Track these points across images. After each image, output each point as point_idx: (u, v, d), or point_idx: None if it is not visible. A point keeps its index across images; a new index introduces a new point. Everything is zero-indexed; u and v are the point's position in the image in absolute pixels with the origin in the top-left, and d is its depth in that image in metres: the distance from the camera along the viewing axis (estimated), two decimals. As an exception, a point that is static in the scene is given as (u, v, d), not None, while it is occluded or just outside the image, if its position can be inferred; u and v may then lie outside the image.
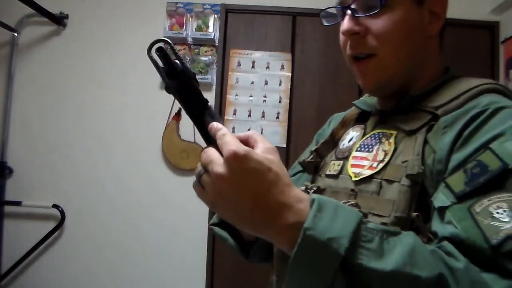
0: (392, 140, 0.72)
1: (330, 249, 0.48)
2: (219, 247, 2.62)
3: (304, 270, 0.49)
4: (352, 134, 0.82)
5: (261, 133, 2.66)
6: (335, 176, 0.78)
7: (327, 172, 0.80)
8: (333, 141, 0.87)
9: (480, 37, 2.69)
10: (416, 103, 0.74)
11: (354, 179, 0.73)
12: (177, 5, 2.75)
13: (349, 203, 0.68)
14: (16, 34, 2.76)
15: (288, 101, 2.69)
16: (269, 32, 2.75)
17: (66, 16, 2.77)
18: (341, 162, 0.79)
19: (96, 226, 2.67)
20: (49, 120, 2.74)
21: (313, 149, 0.88)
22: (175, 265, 2.64)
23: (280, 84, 2.70)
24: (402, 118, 0.74)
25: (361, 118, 0.85)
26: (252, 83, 2.70)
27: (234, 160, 0.49)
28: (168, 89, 0.58)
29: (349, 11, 0.74)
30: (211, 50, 2.73)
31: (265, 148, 0.54)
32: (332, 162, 0.81)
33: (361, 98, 0.90)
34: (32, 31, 2.79)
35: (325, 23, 0.83)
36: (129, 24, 2.77)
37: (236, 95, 2.70)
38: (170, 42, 0.58)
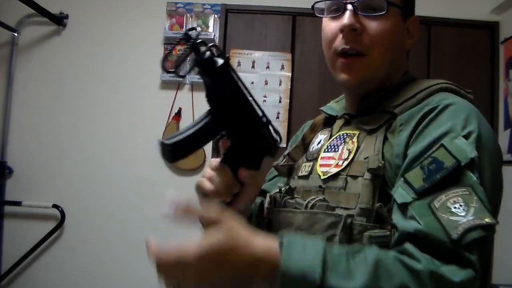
0: (355, 139, 0.79)
1: (306, 282, 0.55)
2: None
3: None
4: (320, 137, 0.89)
5: (261, 133, 2.66)
6: (306, 177, 0.83)
7: (299, 174, 0.86)
8: (304, 145, 0.93)
9: (480, 37, 2.69)
10: (377, 105, 0.81)
11: (322, 177, 0.79)
12: (177, 5, 2.75)
13: (318, 199, 0.75)
14: (16, 34, 2.75)
15: (288, 101, 2.69)
16: (269, 32, 2.75)
17: (66, 16, 2.77)
18: (311, 163, 0.85)
19: (96, 226, 2.67)
20: (49, 120, 2.74)
21: (286, 153, 0.94)
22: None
23: (280, 84, 2.70)
24: (364, 119, 0.81)
25: (328, 122, 0.92)
26: (252, 83, 2.70)
27: (206, 261, 0.56)
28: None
29: (351, 7, 0.78)
30: (211, 50, 2.73)
31: (217, 231, 0.58)
32: (304, 164, 0.87)
33: (327, 104, 0.98)
34: (32, 31, 2.79)
35: (319, 15, 0.86)
36: (129, 24, 2.77)
37: (236, 95, 2.70)
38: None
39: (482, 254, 0.59)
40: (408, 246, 0.60)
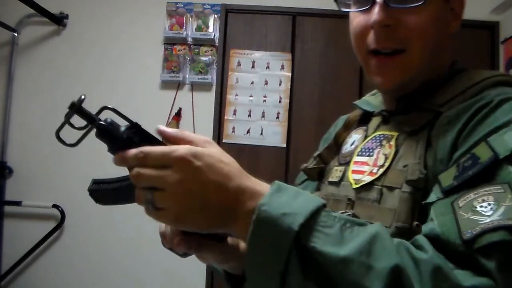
0: (393, 142, 0.67)
1: (284, 224, 0.46)
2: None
3: (260, 250, 0.47)
4: (355, 137, 0.77)
5: (261, 133, 2.66)
6: (336, 183, 0.73)
7: (330, 179, 0.75)
8: (337, 145, 0.81)
9: (480, 37, 2.69)
10: (420, 101, 0.69)
11: (354, 186, 0.68)
12: (177, 5, 2.75)
13: (346, 213, 0.64)
14: (16, 34, 2.75)
15: (288, 101, 2.69)
16: (269, 32, 2.75)
17: (66, 16, 2.77)
18: (343, 167, 0.74)
19: (96, 226, 2.67)
20: (49, 120, 2.73)
21: (316, 154, 0.82)
22: (176, 265, 2.64)
23: (280, 84, 2.70)
24: (405, 118, 0.69)
25: (364, 119, 0.79)
26: (252, 83, 2.70)
27: (187, 163, 0.48)
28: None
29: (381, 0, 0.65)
30: (211, 50, 2.73)
31: (205, 142, 0.53)
32: (335, 168, 0.76)
33: (363, 98, 0.84)
34: (32, 31, 2.79)
35: (344, 9, 0.72)
36: (129, 24, 2.77)
37: (236, 95, 2.70)
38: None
39: (508, 261, 0.46)
40: (420, 237, 0.51)
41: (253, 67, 2.71)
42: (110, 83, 2.74)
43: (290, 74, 2.70)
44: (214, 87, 2.71)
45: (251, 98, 2.70)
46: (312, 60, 2.70)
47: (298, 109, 2.69)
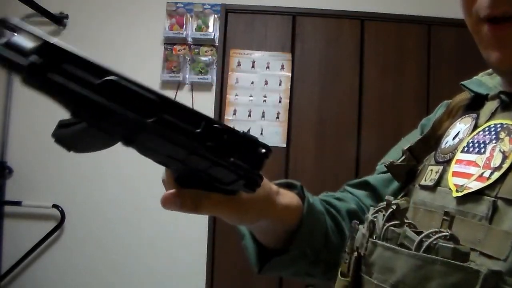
0: None
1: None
2: (219, 247, 2.62)
3: None
4: (460, 128, 0.57)
5: (261, 133, 2.66)
6: (431, 188, 0.54)
7: (422, 182, 0.57)
8: (435, 137, 0.61)
9: (480, 37, 2.69)
10: None
11: (455, 194, 0.50)
12: (177, 5, 2.75)
13: (440, 235, 0.44)
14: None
15: (288, 101, 2.69)
16: (269, 32, 2.75)
17: (66, 16, 2.77)
18: (441, 167, 0.55)
19: (96, 226, 2.67)
20: (50, 120, 2.72)
21: (406, 147, 0.62)
22: (176, 265, 2.64)
23: (280, 84, 2.70)
24: None
25: (474, 105, 0.59)
26: (252, 83, 2.70)
27: None
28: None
29: None
30: (211, 50, 2.73)
31: None
32: (430, 167, 0.57)
33: (474, 78, 0.65)
34: (32, 31, 2.79)
35: None
36: (129, 24, 2.77)
37: (236, 95, 2.70)
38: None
39: None
40: None
41: (253, 67, 2.71)
42: (110, 83, 2.74)
43: (290, 74, 2.70)
44: (214, 87, 2.71)
45: (251, 98, 2.70)
46: (312, 60, 2.70)
47: (298, 109, 2.69)
